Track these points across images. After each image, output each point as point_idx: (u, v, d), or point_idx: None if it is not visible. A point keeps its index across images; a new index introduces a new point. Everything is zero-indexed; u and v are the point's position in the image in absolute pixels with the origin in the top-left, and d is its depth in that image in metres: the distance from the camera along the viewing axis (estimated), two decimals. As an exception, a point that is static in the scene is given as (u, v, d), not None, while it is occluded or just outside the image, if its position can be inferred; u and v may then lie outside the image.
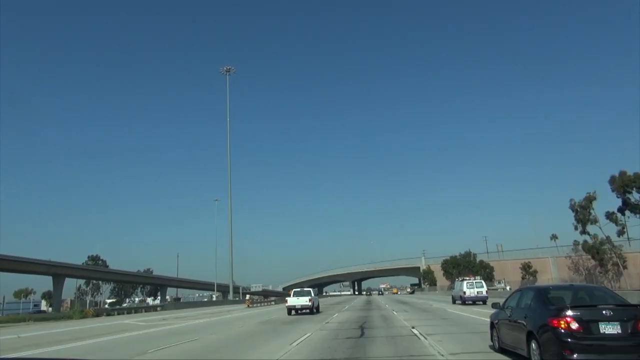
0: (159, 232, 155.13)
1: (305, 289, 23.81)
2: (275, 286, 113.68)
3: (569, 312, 5.38)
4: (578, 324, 5.27)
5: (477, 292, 25.15)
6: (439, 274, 70.82)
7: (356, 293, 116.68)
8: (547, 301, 5.97)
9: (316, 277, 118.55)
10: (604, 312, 5.33)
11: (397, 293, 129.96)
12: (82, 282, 74.46)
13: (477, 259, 64.22)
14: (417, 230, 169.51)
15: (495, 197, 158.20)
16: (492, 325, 7.71)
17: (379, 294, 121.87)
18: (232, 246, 41.50)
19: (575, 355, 5.18)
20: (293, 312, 21.84)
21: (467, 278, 26.72)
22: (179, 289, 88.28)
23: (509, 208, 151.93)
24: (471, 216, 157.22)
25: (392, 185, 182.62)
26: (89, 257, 78.29)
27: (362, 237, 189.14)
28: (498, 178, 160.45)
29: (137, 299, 78.19)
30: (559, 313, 5.44)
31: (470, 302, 24.75)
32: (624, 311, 5.35)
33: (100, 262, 77.48)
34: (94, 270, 68.57)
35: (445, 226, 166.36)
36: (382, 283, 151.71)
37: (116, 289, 76.10)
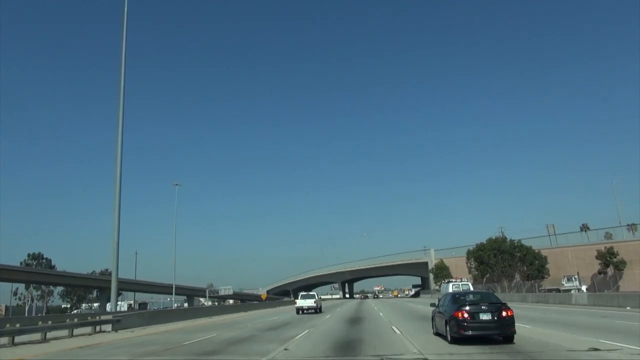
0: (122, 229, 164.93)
1: (310, 292, 35.19)
2: (256, 289, 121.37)
3: (465, 308, 11.39)
4: (468, 314, 11.27)
5: None
6: (457, 269, 68.36)
7: (347, 296, 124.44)
8: (456, 301, 12.00)
9: (301, 278, 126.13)
10: (482, 307, 11.38)
11: (397, 296, 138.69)
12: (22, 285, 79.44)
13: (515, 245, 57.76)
14: (411, 225, 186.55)
15: (504, 188, 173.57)
16: (432, 318, 13.93)
17: (374, 297, 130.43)
18: (118, 215, 26.77)
19: (469, 332, 11.20)
20: (300, 311, 32.54)
21: (452, 280, 33.15)
22: (137, 293, 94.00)
23: (517, 199, 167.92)
24: (476, 207, 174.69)
25: (389, 183, 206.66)
26: (29, 255, 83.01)
27: (356, 235, 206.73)
28: (503, 170, 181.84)
29: (95, 304, 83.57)
30: (459, 308, 11.44)
31: None
32: (494, 306, 11.40)
33: (43, 261, 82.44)
34: (9, 270, 60.52)
35: (446, 219, 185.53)
36: (376, 285, 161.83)
37: (64, 294, 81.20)
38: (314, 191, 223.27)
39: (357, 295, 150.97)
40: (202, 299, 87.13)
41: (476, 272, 62.29)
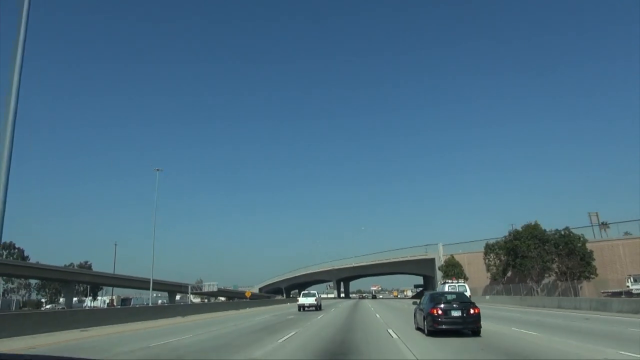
0: (99, 220, 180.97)
1: (311, 291, 39.94)
2: (251, 286, 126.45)
3: (440, 306, 15.11)
4: (442, 311, 14.99)
5: None
6: (471, 267, 67.65)
7: (342, 296, 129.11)
8: (433, 300, 15.73)
9: (294, 275, 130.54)
10: (454, 305, 15.11)
11: (397, 296, 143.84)
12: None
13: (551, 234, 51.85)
14: (412, 224, 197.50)
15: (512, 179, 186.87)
16: (414, 315, 17.64)
17: (372, 297, 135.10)
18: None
19: (443, 326, 14.96)
20: (302, 309, 38.00)
21: (449, 281, 36.97)
22: (117, 288, 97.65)
23: (519, 199, 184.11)
24: (478, 206, 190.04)
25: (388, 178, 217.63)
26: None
27: (354, 233, 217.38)
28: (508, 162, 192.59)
29: (75, 299, 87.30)
30: (435, 306, 15.17)
31: None
32: (463, 304, 15.13)
33: (15, 251, 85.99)
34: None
35: (447, 219, 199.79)
36: (373, 284, 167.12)
37: (39, 287, 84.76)
38: (313, 190, 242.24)
39: (354, 295, 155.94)
40: (190, 296, 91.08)
41: (495, 271, 59.38)
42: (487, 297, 59.04)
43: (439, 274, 72.72)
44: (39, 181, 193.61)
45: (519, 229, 55.58)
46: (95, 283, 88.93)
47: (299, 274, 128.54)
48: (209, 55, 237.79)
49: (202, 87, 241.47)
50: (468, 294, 35.75)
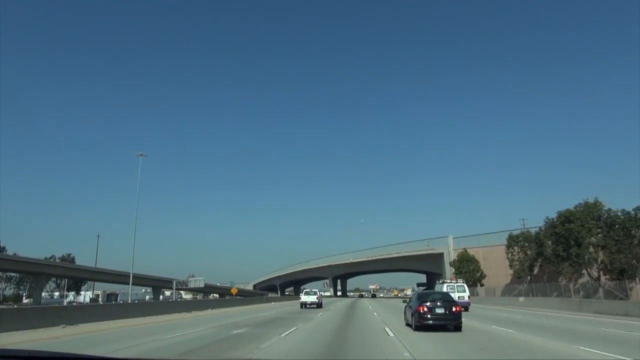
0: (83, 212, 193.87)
1: (313, 289, 45.17)
2: (247, 283, 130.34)
3: (425, 304, 18.14)
4: (427, 309, 18.02)
5: (459, 297, 37.26)
6: (487, 262, 65.76)
7: (339, 294, 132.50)
8: (420, 298, 18.77)
9: (289, 272, 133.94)
10: (438, 303, 18.14)
11: (398, 296, 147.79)
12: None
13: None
14: (414, 222, 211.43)
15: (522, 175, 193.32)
16: (404, 312, 20.66)
17: (371, 296, 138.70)
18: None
19: (430, 322, 17.99)
20: (304, 306, 42.83)
21: (447, 281, 39.83)
22: (100, 283, 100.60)
23: (518, 198, 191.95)
24: (481, 201, 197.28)
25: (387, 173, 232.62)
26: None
27: (353, 229, 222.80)
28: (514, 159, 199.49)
29: (56, 294, 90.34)
30: (421, 304, 18.19)
31: None
32: (447, 303, 18.20)
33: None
34: None
35: (449, 214, 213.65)
36: (372, 283, 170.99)
37: (18, 281, 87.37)
38: (313, 189, 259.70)
39: (351, 294, 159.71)
40: (182, 292, 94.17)
41: (519, 267, 55.33)
42: (521, 298, 51.03)
43: (449, 271, 68.82)
44: (38, 180, 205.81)
45: (571, 208, 46.72)
46: (71, 277, 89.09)
47: (293, 271, 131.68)
48: (207, 54, 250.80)
49: (201, 86, 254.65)
50: (467, 294, 38.58)
